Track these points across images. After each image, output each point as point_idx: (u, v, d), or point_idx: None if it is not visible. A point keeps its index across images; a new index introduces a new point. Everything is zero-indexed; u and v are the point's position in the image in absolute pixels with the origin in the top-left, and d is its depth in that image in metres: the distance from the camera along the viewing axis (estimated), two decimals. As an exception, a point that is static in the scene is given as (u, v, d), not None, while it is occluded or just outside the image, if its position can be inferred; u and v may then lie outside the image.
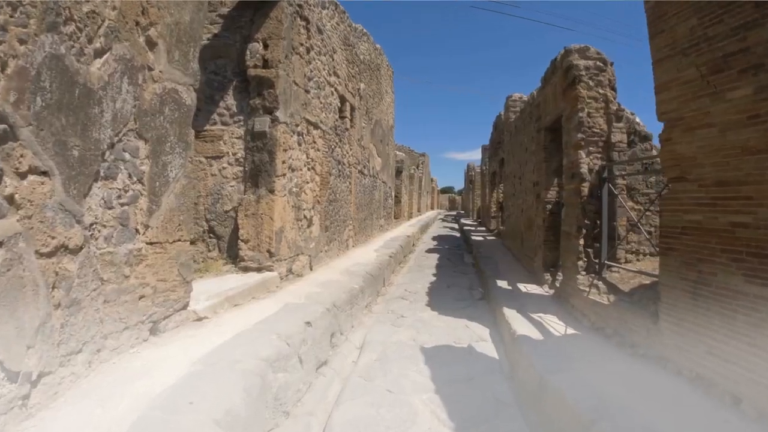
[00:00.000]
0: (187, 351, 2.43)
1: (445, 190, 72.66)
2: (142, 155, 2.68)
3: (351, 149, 7.35)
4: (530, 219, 6.25)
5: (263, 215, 4.24)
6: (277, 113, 4.35)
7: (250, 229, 4.27)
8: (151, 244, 2.75)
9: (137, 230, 2.64)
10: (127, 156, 2.52)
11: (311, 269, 5.31)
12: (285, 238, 4.50)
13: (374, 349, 3.51)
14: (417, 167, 25.83)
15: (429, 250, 10.25)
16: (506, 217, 9.13)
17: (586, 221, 3.78)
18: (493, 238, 11.28)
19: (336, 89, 6.37)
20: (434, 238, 13.78)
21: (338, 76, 6.48)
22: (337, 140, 6.53)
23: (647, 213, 4.14)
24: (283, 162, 4.42)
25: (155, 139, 2.78)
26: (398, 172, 16.34)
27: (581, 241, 3.78)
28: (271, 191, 4.25)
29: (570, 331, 3.45)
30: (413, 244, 11.24)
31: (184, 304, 3.06)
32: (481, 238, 11.35)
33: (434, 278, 6.55)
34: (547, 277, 5.04)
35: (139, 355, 2.39)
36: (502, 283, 5.29)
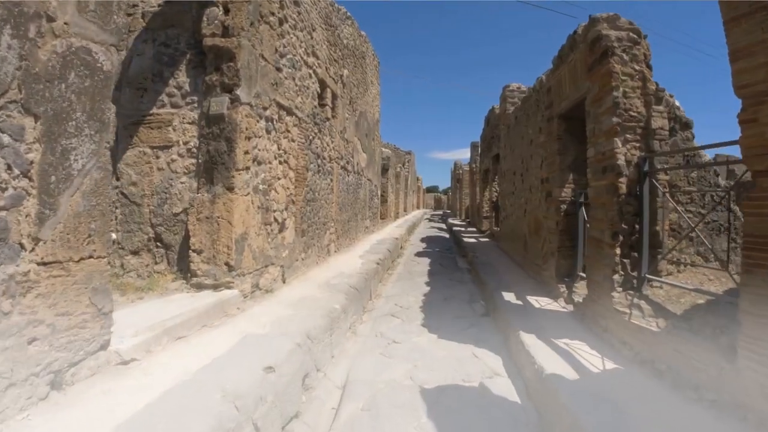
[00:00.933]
0: (98, 417, 1.63)
1: (430, 189, 72.41)
2: (30, 138, 1.86)
3: (333, 142, 6.54)
4: (537, 221, 5.55)
5: (220, 219, 3.40)
6: (239, 92, 3.51)
7: (204, 237, 3.42)
8: (44, 264, 1.94)
9: (22, 246, 1.84)
10: (4, 139, 1.72)
11: (284, 282, 4.49)
12: (249, 246, 3.67)
13: (360, 393, 2.73)
14: (403, 165, 25.13)
15: (418, 254, 9.50)
16: (503, 217, 8.45)
17: (623, 225, 3.07)
18: (487, 240, 10.61)
19: (315, 71, 5.55)
20: (423, 240, 13.06)
21: (318, 57, 5.66)
22: (317, 130, 5.71)
23: (687, 214, 3.46)
24: (246, 152, 3.59)
25: (51, 116, 1.96)
26: (384, 170, 15.58)
27: (617, 251, 3.07)
28: (230, 189, 3.42)
29: (609, 364, 2.74)
30: (401, 247, 10.49)
31: (101, 344, 2.23)
32: (473, 240, 10.67)
33: (427, 288, 5.80)
34: (562, 289, 4.34)
35: (29, 424, 1.59)
36: (509, 296, 4.58)
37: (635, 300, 2.98)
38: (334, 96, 6.73)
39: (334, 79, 6.63)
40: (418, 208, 40.62)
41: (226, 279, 3.42)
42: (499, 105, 8.95)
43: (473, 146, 18.63)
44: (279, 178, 4.43)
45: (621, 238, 3.08)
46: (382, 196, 15.23)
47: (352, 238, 8.24)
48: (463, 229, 15.47)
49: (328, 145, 6.28)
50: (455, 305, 4.94)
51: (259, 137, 3.90)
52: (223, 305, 3.19)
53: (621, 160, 3.08)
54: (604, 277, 3.19)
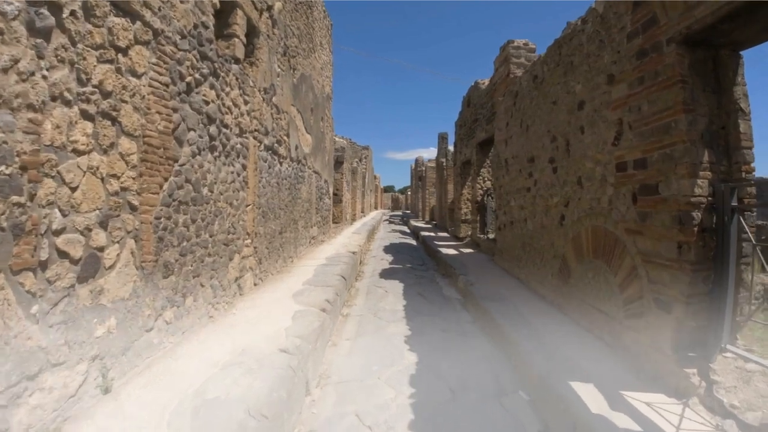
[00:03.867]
0: None
1: (387, 189, 70.64)
2: None
3: (248, 103, 3.95)
4: (600, 235, 3.29)
5: None
6: None
7: None
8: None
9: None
10: None
11: (107, 391, 1.87)
12: None
13: None
14: (360, 161, 22.67)
15: (384, 274, 7.06)
16: (503, 224, 6.19)
17: None
18: (471, 251, 8.38)
19: (197, -48, 2.94)
20: (387, 250, 10.66)
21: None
22: (206, 71, 3.11)
23: None
24: None
25: None
26: (338, 163, 13.03)
27: None
28: None
29: None
30: (361, 261, 8.02)
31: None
32: (452, 252, 8.40)
33: (412, 358, 3.36)
34: (694, 377, 2.08)
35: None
36: (584, 391, 2.25)
37: None
38: (254, 29, 4.14)
39: (254, 1, 4.04)
40: (376, 208, 38.33)
41: None
42: (497, 71, 6.71)
43: (441, 138, 16.50)
44: (80, 152, 1.83)
45: None
46: (335, 194, 12.67)
47: (288, 257, 5.65)
48: (432, 234, 13.23)
49: (236, 105, 3.69)
50: (478, 413, 2.53)
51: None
52: None
53: None
54: None
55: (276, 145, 4.88)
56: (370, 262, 8.56)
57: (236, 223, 3.75)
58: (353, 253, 7.05)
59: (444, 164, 15.18)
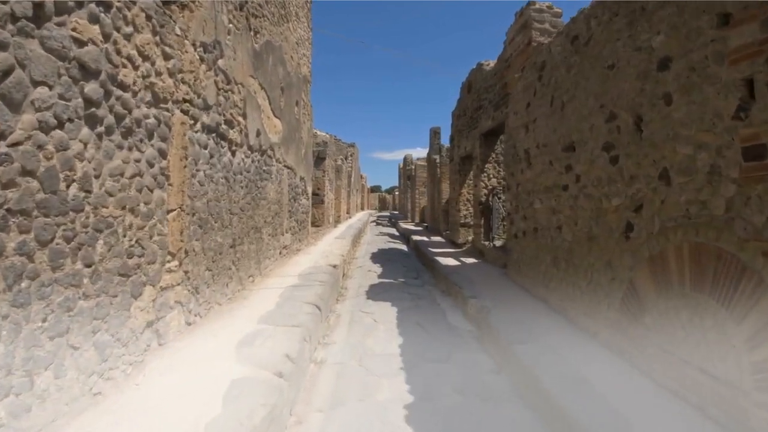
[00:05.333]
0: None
1: (374, 189, 69.60)
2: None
3: (170, 58, 2.68)
4: (716, 259, 2.14)
5: None
6: None
7: None
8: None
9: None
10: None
11: None
12: None
13: None
14: (345, 158, 21.44)
15: (372, 292, 5.85)
16: (520, 231, 5.05)
17: None
18: (473, 260, 7.23)
19: None
20: (374, 257, 9.45)
21: None
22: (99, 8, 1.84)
23: None
24: None
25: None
26: (319, 159, 11.77)
27: None
28: None
29: None
30: (344, 274, 6.81)
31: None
32: (451, 261, 7.24)
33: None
34: None
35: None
36: None
37: None
38: (180, -47, 2.88)
39: None
40: (362, 209, 37.11)
41: None
42: (510, 43, 5.55)
43: (433, 133, 15.37)
44: None
45: None
46: (316, 194, 11.42)
47: (246, 276, 4.40)
48: (425, 238, 12.07)
49: (145, 57, 2.42)
50: None
51: None
52: None
53: None
54: None
55: (224, 126, 3.62)
56: (355, 275, 7.34)
57: (146, 239, 2.50)
58: (334, 266, 5.82)
59: (437, 161, 14.04)
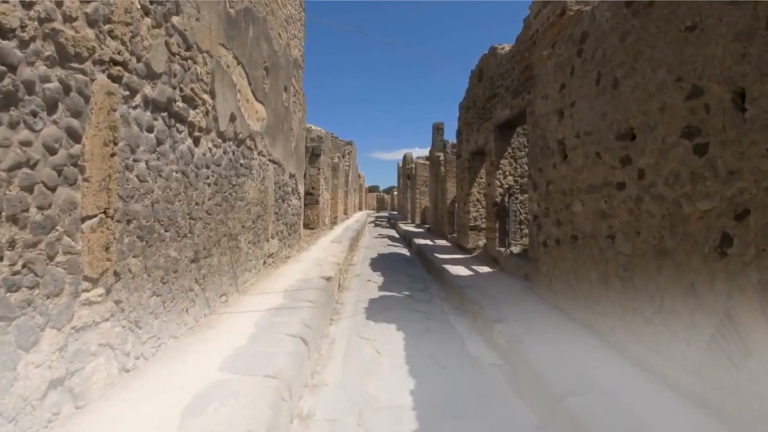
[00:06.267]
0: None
1: (372, 189, 68.84)
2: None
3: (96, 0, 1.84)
4: None
5: None
6: None
7: None
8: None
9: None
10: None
11: None
12: None
13: None
14: (342, 156, 20.62)
15: (372, 310, 5.04)
16: (552, 238, 4.26)
17: None
18: (487, 269, 6.41)
19: None
20: (374, 264, 8.63)
21: None
22: None
23: None
24: None
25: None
26: (314, 156, 10.96)
27: None
28: None
29: None
30: (340, 285, 5.99)
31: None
32: (461, 269, 6.43)
33: None
34: None
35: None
36: None
37: None
38: None
39: None
40: (360, 209, 36.31)
41: None
42: (537, 16, 4.75)
43: (436, 129, 14.56)
44: None
45: None
46: (310, 194, 10.61)
47: (216, 297, 3.57)
48: (428, 242, 11.26)
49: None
50: None
51: None
52: None
53: None
54: None
55: (180, 104, 2.79)
56: (352, 285, 6.52)
57: (40, 261, 1.69)
58: (328, 279, 5.00)
59: (441, 159, 13.22)
